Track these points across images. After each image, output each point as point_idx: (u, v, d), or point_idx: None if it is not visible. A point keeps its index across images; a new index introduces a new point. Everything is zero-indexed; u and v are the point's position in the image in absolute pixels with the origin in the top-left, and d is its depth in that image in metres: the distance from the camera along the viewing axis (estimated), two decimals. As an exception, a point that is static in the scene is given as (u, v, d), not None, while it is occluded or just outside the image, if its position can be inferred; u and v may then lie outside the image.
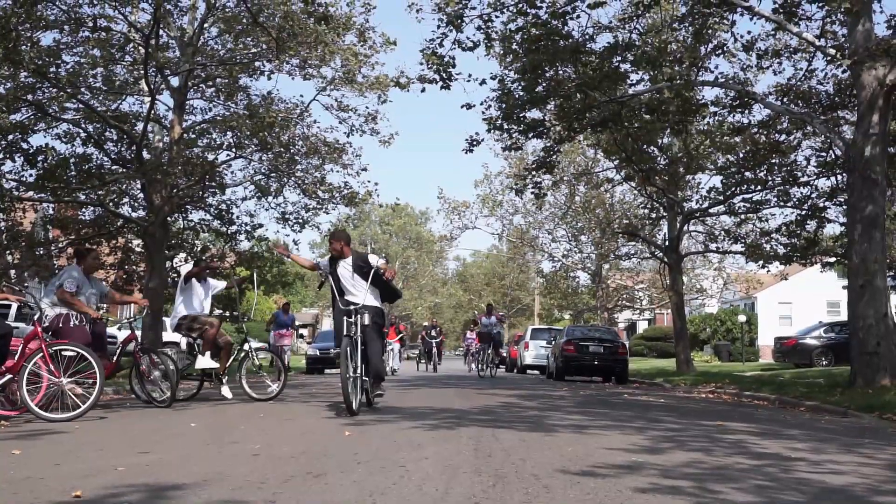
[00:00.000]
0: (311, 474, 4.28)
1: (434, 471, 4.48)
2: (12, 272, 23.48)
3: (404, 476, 4.28)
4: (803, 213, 21.73)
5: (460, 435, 6.39)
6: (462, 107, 17.60)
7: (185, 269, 23.29)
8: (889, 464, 5.43)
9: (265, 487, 3.88)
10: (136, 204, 21.04)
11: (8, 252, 22.46)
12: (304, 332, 71.27)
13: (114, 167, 19.69)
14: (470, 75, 17.78)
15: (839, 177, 19.66)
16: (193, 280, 11.28)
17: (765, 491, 4.09)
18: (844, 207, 17.63)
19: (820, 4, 14.43)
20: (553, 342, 24.99)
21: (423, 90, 16.87)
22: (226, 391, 10.65)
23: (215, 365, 10.40)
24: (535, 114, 18.24)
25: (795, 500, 3.88)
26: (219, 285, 12.35)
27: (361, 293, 8.77)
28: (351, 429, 6.71)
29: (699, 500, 3.80)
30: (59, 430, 6.29)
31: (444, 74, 16.20)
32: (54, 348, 7.26)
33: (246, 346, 11.25)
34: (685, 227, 25.68)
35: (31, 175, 18.29)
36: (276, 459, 4.85)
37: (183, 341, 11.09)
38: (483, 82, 17.17)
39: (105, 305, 18.07)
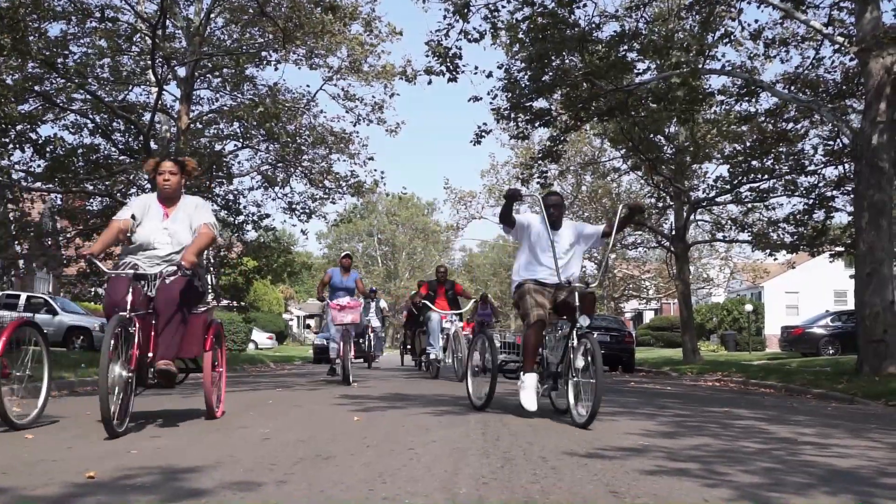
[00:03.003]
0: (320, 457, 4.33)
1: (443, 453, 4.52)
2: (21, 262, 23.59)
3: (413, 458, 4.32)
4: (810, 202, 21.70)
5: (468, 420, 6.43)
6: (469, 100, 17.67)
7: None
8: (895, 447, 5.45)
9: (276, 469, 3.92)
10: (143, 194, 21.10)
11: (17, 242, 22.55)
12: (311, 322, 71.45)
13: (121, 157, 19.77)
14: (476, 67, 17.80)
15: (846, 165, 19.63)
16: None
17: (772, 473, 4.12)
18: (852, 196, 17.61)
19: (828, -8, 14.40)
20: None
21: (429, 82, 16.89)
22: None
23: None
24: (541, 103, 18.25)
25: (803, 481, 3.90)
26: None
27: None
28: (360, 414, 6.76)
29: (706, 481, 3.83)
30: (69, 415, 6.35)
31: (450, 66, 16.21)
32: None
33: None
34: (692, 217, 25.68)
35: (39, 165, 18.40)
36: (285, 443, 4.90)
37: None
38: (490, 75, 17.24)
39: None
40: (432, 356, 13.43)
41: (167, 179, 6.08)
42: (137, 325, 5.42)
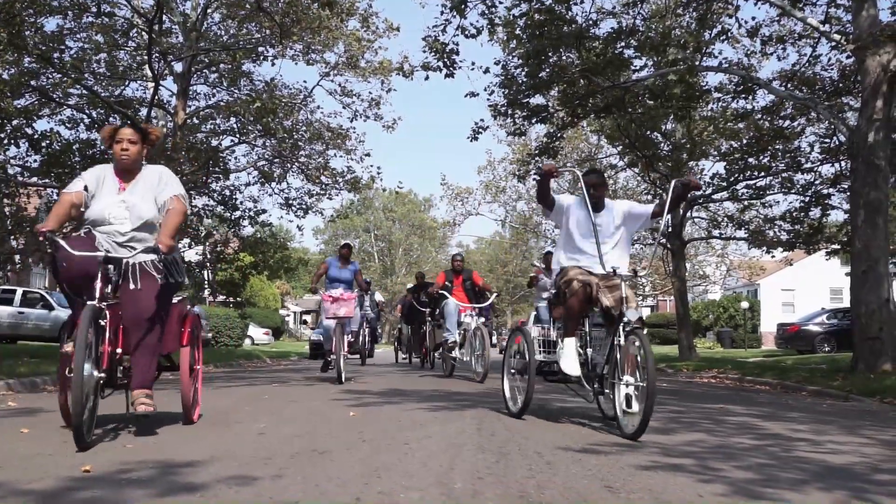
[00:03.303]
0: (316, 451, 4.34)
1: (438, 449, 4.53)
2: (17, 257, 23.55)
3: (409, 453, 4.33)
4: (807, 199, 21.71)
5: (464, 416, 6.44)
6: (466, 95, 17.67)
7: (189, 254, 23.45)
8: (889, 444, 5.47)
9: (272, 464, 3.93)
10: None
11: (12, 237, 22.51)
12: (308, 317, 71.40)
13: (118, 153, 19.72)
14: (473, 63, 17.88)
15: (843, 163, 19.64)
16: None
17: (766, 469, 4.13)
18: (848, 194, 17.63)
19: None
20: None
21: (426, 78, 16.87)
22: None
23: None
24: (538, 100, 18.25)
25: (796, 477, 3.92)
26: None
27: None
28: (356, 409, 6.77)
29: (700, 476, 3.85)
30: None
31: (447, 62, 16.20)
32: None
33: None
34: (688, 214, 25.67)
35: (35, 160, 18.35)
36: (281, 438, 4.91)
37: None
38: (487, 71, 17.21)
39: None
40: (450, 340, 12.31)
41: (125, 149, 5.25)
42: (109, 317, 4.75)
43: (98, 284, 4.70)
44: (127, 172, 5.33)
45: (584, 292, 5.86)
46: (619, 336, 5.51)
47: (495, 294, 14.31)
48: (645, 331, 5.50)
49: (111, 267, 4.91)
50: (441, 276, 13.01)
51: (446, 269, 13.19)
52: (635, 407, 5.26)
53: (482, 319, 12.21)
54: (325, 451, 4.37)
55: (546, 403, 7.83)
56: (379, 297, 21.39)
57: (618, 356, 5.52)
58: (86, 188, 5.23)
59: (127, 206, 5.15)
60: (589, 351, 6.05)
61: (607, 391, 5.79)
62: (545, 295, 12.99)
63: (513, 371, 6.58)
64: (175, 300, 5.51)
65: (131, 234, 5.12)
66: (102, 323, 4.69)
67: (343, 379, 10.55)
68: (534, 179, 6.09)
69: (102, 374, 4.67)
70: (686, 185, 6.03)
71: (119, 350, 5.01)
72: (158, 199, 5.23)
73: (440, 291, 12.55)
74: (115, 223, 5.11)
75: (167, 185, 5.31)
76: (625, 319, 5.51)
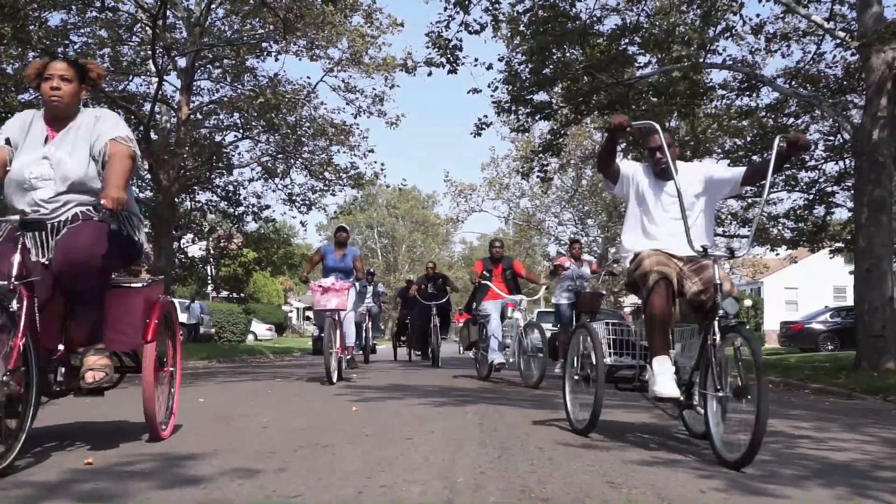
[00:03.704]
0: (319, 445, 4.34)
1: (440, 443, 4.54)
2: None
3: (411, 448, 4.33)
4: (811, 197, 21.69)
5: (466, 411, 6.45)
6: (469, 92, 17.66)
7: (193, 250, 23.49)
8: (892, 442, 5.47)
9: (275, 457, 3.94)
10: (143, 184, 21.12)
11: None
12: (311, 313, 71.44)
13: (121, 148, 19.74)
14: (476, 59, 17.88)
15: (847, 161, 19.62)
16: None
17: (768, 465, 4.14)
18: (852, 192, 17.62)
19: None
20: (559, 325, 25.00)
21: (429, 74, 16.87)
22: None
23: None
24: (542, 96, 18.24)
25: (798, 474, 3.92)
26: None
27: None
28: (358, 405, 6.78)
29: (702, 472, 3.85)
30: (68, 403, 6.36)
31: (450, 58, 16.20)
32: None
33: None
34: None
35: (39, 155, 18.35)
36: (285, 432, 4.91)
37: None
38: (490, 67, 17.22)
39: None
40: (497, 362, 10.33)
41: (56, 87, 4.03)
42: (25, 300, 3.55)
43: (16, 259, 3.62)
44: (58, 120, 4.13)
45: (668, 291, 4.63)
46: (714, 333, 4.31)
47: (544, 287, 12.47)
48: (748, 326, 4.42)
49: (34, 234, 3.88)
50: (478, 264, 11.44)
51: (483, 258, 11.59)
52: (735, 425, 4.24)
53: (531, 315, 11.02)
54: (327, 445, 4.38)
55: (549, 399, 7.84)
56: (382, 288, 20.41)
57: (713, 360, 4.30)
58: (7, 141, 4.06)
59: (52, 164, 3.98)
60: (672, 352, 4.83)
61: (696, 403, 4.57)
62: (568, 286, 12.16)
63: (576, 377, 5.40)
64: (142, 284, 4.43)
65: (57, 201, 3.96)
66: (13, 308, 3.50)
67: (334, 379, 9.27)
68: (606, 132, 4.65)
69: (6, 377, 3.34)
70: (793, 143, 4.61)
71: (61, 347, 3.99)
72: (94, 148, 4.03)
73: (480, 281, 11.00)
74: (37, 185, 3.93)
75: (106, 126, 4.09)
76: (720, 312, 4.33)
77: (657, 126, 4.87)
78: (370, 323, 17.18)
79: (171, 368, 4.82)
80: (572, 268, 12.40)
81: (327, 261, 10.67)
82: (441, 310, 15.21)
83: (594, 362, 4.99)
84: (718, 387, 4.26)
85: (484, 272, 11.08)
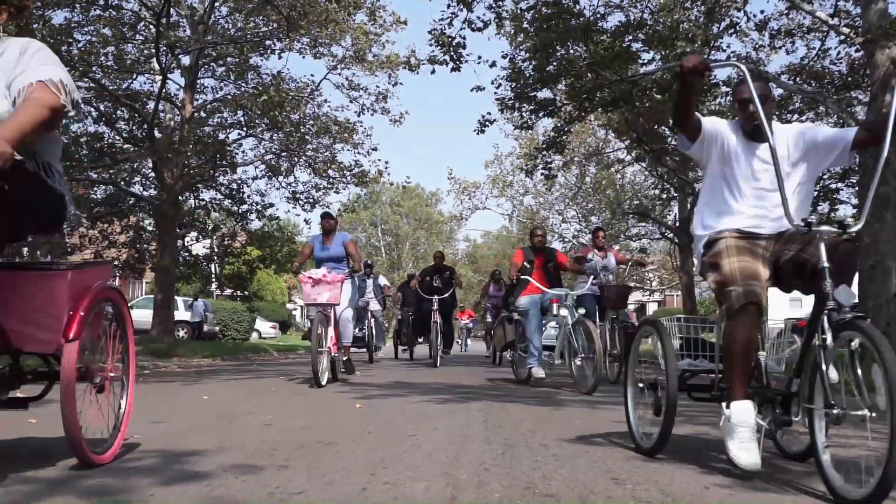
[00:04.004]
0: (322, 443, 4.34)
1: (444, 440, 4.53)
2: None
3: (414, 445, 4.33)
4: (815, 193, 21.63)
5: (470, 408, 6.44)
6: (472, 89, 17.66)
7: (197, 248, 23.50)
8: (897, 438, 5.45)
9: (277, 454, 3.93)
10: (147, 183, 21.15)
11: (21, 230, 22.56)
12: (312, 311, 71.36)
13: (125, 146, 19.77)
14: (480, 57, 17.86)
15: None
16: None
17: (771, 460, 4.12)
18: (856, 188, 17.57)
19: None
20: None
21: (433, 72, 16.87)
22: None
23: None
24: (545, 93, 18.23)
25: (803, 470, 3.91)
26: None
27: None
28: (362, 402, 6.78)
29: (707, 468, 3.85)
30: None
31: (453, 55, 16.19)
32: None
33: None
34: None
35: (43, 153, 18.37)
36: (287, 430, 4.91)
37: None
38: (493, 64, 17.20)
39: None
40: (537, 374, 9.15)
41: None
42: None
43: None
44: None
45: (755, 317, 3.66)
46: (825, 332, 3.33)
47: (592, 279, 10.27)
48: (868, 321, 3.25)
49: None
50: (518, 254, 9.89)
51: (524, 247, 10.18)
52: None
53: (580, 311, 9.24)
54: (331, 442, 4.37)
55: (553, 395, 7.84)
56: (384, 280, 18.47)
57: (823, 367, 3.33)
58: None
59: None
60: (761, 356, 3.94)
61: (796, 419, 3.75)
62: (592, 280, 10.09)
63: (641, 385, 4.49)
64: (67, 266, 3.49)
65: None
66: None
67: (323, 381, 8.52)
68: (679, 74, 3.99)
69: None
70: None
71: None
72: (13, 86, 3.14)
73: (520, 276, 9.46)
74: None
75: (30, 64, 3.17)
76: (829, 304, 3.35)
77: (745, 70, 3.90)
78: (373, 321, 16.16)
79: (120, 375, 3.85)
80: (595, 259, 11.21)
81: (316, 253, 9.81)
82: (443, 304, 14.09)
83: (663, 366, 4.11)
84: (832, 402, 3.35)
85: (524, 264, 9.59)
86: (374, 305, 16.43)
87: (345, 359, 9.69)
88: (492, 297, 15.63)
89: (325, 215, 10.15)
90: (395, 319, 19.85)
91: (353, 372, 10.04)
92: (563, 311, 9.09)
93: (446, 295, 14.42)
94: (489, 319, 15.43)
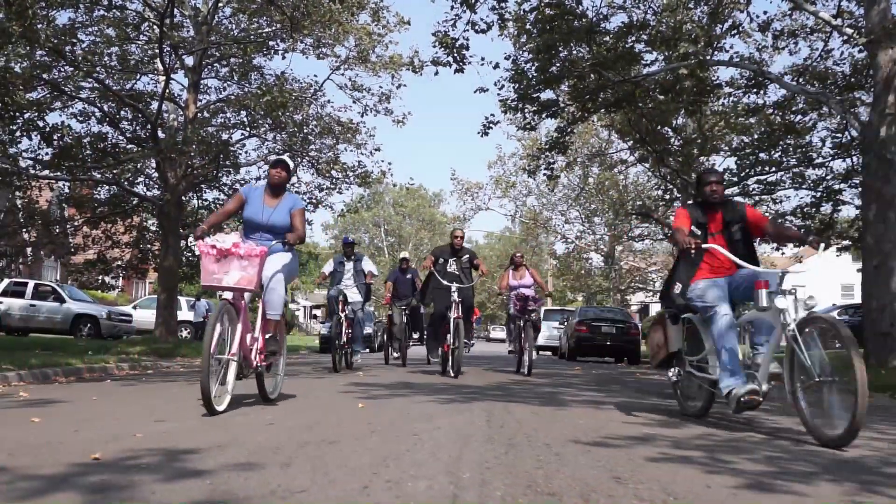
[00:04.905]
0: (325, 441, 4.34)
1: (447, 440, 4.53)
2: (29, 250, 23.67)
3: (418, 444, 4.33)
4: (818, 194, 21.63)
5: (473, 408, 6.44)
6: (476, 91, 17.67)
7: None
8: (900, 438, 5.45)
9: (280, 453, 3.93)
10: (150, 183, 21.18)
11: (24, 230, 22.63)
12: (318, 312, 71.50)
13: (129, 146, 19.80)
14: (483, 59, 17.93)
15: (854, 158, 19.56)
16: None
17: (776, 461, 4.12)
18: (859, 189, 17.56)
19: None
20: (565, 323, 25.03)
21: (436, 73, 16.90)
22: None
23: None
24: (548, 94, 18.24)
25: (806, 470, 3.90)
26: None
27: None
28: (365, 401, 6.78)
29: (710, 468, 3.84)
30: (75, 400, 6.37)
31: (457, 57, 16.20)
32: None
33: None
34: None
35: (47, 153, 18.45)
36: (290, 428, 4.91)
37: None
38: (497, 66, 17.20)
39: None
40: (742, 390, 5.46)
41: None
42: None
43: None
44: None
45: None
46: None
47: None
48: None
49: None
50: (681, 214, 6.25)
51: (688, 204, 6.47)
52: None
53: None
54: (333, 441, 4.38)
55: (557, 396, 7.83)
56: (369, 265, 13.49)
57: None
58: None
59: None
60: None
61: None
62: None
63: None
64: None
65: None
66: None
67: (220, 407, 5.61)
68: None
69: None
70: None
71: None
72: None
73: (692, 247, 5.68)
74: None
75: None
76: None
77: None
78: (362, 314, 13.13)
79: None
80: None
81: (250, 212, 6.62)
82: (462, 296, 11.22)
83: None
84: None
85: (692, 228, 6.11)
86: (354, 296, 12.85)
87: (261, 366, 6.50)
88: (512, 288, 12.85)
89: (277, 162, 6.70)
90: (386, 316, 16.64)
91: (273, 398, 6.78)
92: (781, 302, 5.25)
93: (467, 286, 11.59)
94: (512, 311, 12.50)
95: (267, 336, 6.56)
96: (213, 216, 6.80)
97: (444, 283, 11.44)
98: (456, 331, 10.89)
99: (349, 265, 13.10)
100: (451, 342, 10.98)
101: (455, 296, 11.06)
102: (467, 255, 12.09)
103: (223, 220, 7.16)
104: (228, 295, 5.88)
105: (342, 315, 12.06)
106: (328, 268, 13.37)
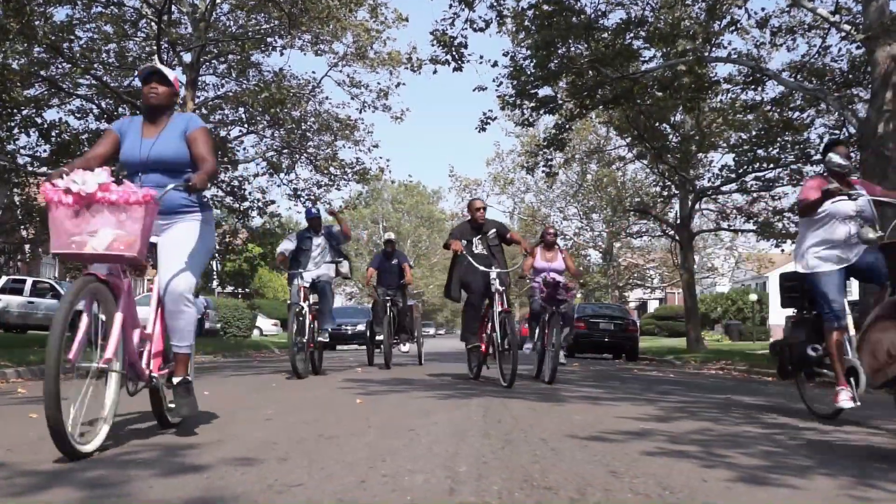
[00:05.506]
0: (323, 437, 4.35)
1: (444, 435, 4.54)
2: (26, 247, 23.67)
3: (415, 439, 4.34)
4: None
5: (470, 403, 6.46)
6: (474, 90, 17.70)
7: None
8: (896, 433, 5.46)
9: (278, 448, 3.94)
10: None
11: (22, 227, 22.62)
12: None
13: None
14: (482, 57, 17.92)
15: (852, 154, 19.57)
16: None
17: (772, 455, 4.13)
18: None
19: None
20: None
21: (434, 72, 16.87)
22: None
23: None
24: (547, 91, 18.24)
25: (802, 464, 3.92)
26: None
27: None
28: (362, 397, 6.79)
29: (705, 462, 3.85)
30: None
31: (455, 55, 16.20)
32: None
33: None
34: (697, 205, 25.63)
35: (44, 150, 18.43)
36: (288, 424, 4.93)
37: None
38: (495, 64, 17.21)
39: None
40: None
41: None
42: None
43: None
44: None
45: None
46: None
47: None
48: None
49: None
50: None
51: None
52: None
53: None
54: (331, 436, 4.39)
55: (555, 392, 7.85)
56: (336, 231, 10.92)
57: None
58: None
59: None
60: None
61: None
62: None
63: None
64: None
65: None
66: None
67: (77, 449, 3.55)
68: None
69: None
70: None
71: None
72: None
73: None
74: None
75: None
76: None
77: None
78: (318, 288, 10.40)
79: None
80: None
81: (124, 149, 4.49)
82: (503, 284, 8.99)
83: None
84: None
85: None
86: (321, 268, 10.45)
87: (161, 376, 4.53)
88: (538, 271, 11.09)
89: (150, 74, 4.49)
90: (370, 306, 14.60)
91: (182, 411, 4.48)
92: None
93: (507, 270, 9.33)
94: (536, 300, 10.48)
95: (175, 382, 4.48)
96: (78, 160, 4.44)
97: (481, 267, 8.96)
98: (503, 327, 8.61)
99: (318, 240, 10.56)
100: (497, 342, 8.68)
101: (497, 283, 8.84)
102: (494, 230, 9.50)
103: (96, 164, 4.32)
104: (98, 268, 3.91)
105: (304, 305, 9.63)
106: (288, 245, 10.62)
